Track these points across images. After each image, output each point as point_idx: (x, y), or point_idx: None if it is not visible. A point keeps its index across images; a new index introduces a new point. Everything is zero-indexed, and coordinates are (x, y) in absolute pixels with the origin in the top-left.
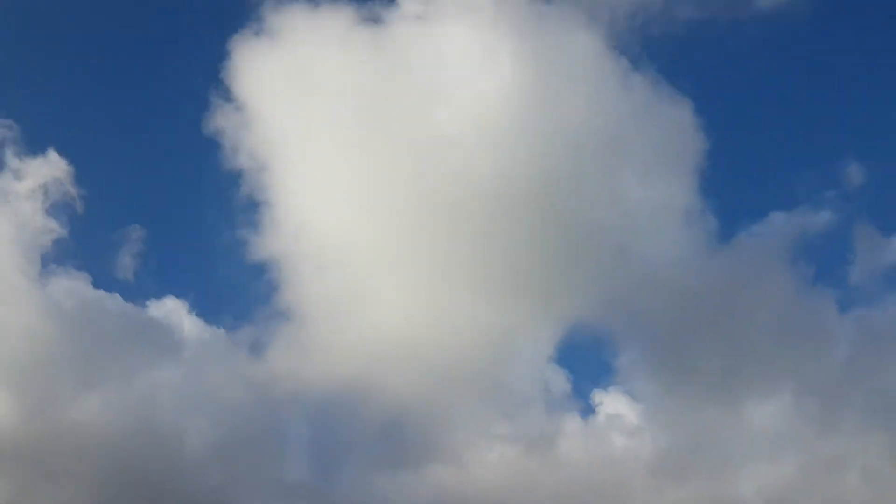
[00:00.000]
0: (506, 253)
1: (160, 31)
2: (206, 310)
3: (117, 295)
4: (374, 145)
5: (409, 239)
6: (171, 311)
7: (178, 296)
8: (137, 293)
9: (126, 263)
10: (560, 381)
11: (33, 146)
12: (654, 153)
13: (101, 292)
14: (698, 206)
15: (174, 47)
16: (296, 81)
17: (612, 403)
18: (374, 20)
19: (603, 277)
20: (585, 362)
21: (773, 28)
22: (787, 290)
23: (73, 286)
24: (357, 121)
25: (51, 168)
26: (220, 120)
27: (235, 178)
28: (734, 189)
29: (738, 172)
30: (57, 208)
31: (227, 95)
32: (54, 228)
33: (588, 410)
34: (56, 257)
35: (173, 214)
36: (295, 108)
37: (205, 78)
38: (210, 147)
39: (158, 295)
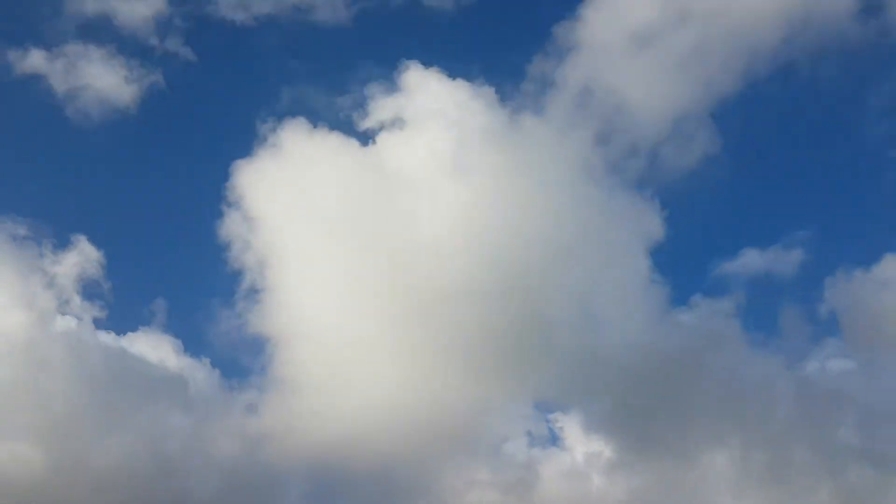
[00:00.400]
0: (477, 335)
1: (182, 151)
2: (214, 372)
3: (142, 356)
4: (360, 245)
5: (390, 323)
6: (185, 369)
7: (191, 356)
8: (158, 354)
9: (149, 330)
10: (522, 445)
11: (68, 235)
12: (614, 240)
13: (130, 354)
14: (654, 279)
15: (193, 165)
16: (293, 191)
17: (576, 455)
18: (363, 137)
19: (568, 350)
20: (550, 424)
21: None
22: (736, 351)
23: (106, 349)
24: (344, 224)
25: (85, 255)
26: (230, 220)
27: (241, 268)
28: (686, 265)
29: (689, 251)
30: (90, 286)
31: (235, 202)
32: (89, 303)
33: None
34: (91, 323)
35: (190, 294)
36: (292, 213)
37: (217, 188)
38: (220, 247)
39: (174, 356)
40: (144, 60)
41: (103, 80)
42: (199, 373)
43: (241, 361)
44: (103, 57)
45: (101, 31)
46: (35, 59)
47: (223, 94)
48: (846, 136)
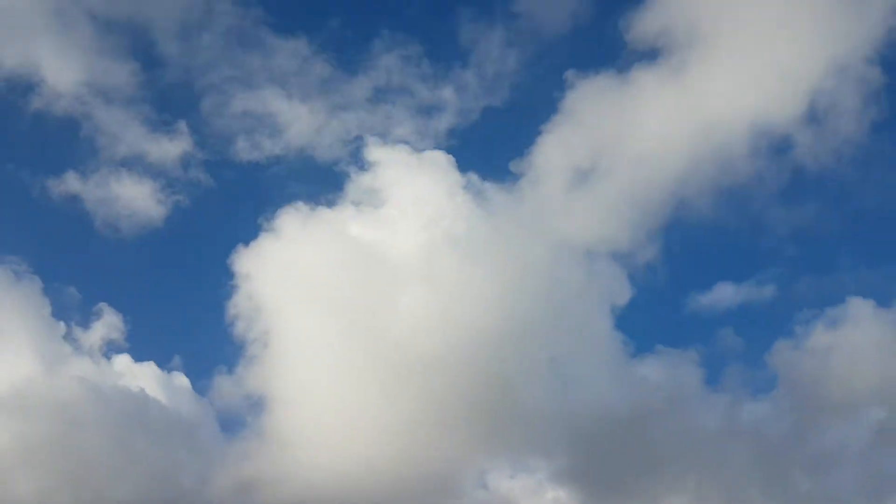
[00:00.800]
0: (450, 398)
1: (199, 248)
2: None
3: (157, 399)
4: (346, 318)
5: (372, 387)
6: (192, 411)
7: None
8: (171, 398)
9: (164, 378)
10: (493, 496)
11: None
12: (580, 303)
13: (150, 397)
14: (617, 337)
15: (205, 254)
16: (289, 270)
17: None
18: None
19: (535, 407)
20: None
21: None
22: (695, 399)
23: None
24: (332, 300)
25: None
26: (236, 297)
27: (244, 337)
28: (648, 322)
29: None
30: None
31: (240, 283)
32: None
33: None
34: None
35: (201, 355)
36: (288, 290)
37: (225, 272)
38: (227, 320)
39: (185, 400)
40: (171, 185)
41: (135, 201)
42: (204, 419)
43: (241, 415)
44: (135, 182)
45: (134, 164)
46: (72, 182)
47: (236, 208)
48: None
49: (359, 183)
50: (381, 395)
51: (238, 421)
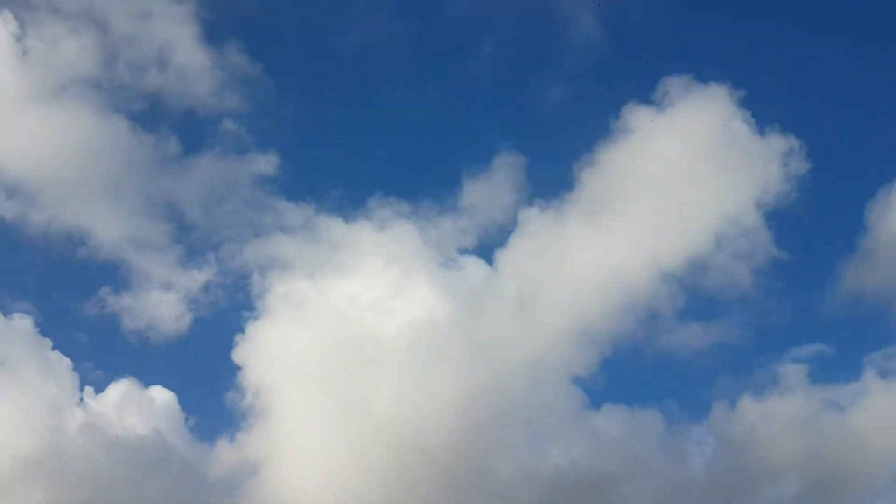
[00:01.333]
0: (431, 464)
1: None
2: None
3: (173, 445)
4: (334, 394)
5: (357, 455)
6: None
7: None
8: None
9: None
10: None
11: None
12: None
13: (167, 445)
14: (586, 403)
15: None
16: (285, 350)
17: None
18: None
19: (510, 472)
20: None
21: None
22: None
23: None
24: (321, 377)
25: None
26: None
27: (246, 407)
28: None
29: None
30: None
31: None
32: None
33: None
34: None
35: (208, 420)
36: (283, 368)
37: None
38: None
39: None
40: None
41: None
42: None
43: (239, 476)
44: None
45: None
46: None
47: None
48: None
49: None
50: (364, 461)
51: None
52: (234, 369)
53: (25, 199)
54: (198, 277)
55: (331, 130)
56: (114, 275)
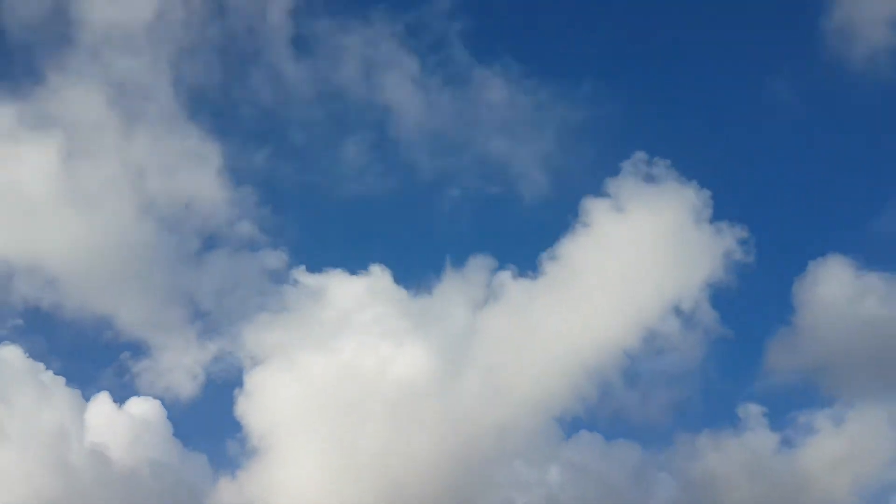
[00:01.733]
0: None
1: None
2: None
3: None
4: (330, 438)
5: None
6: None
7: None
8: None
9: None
10: None
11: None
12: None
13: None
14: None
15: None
16: (284, 398)
17: None
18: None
19: None
20: None
21: None
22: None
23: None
24: (318, 423)
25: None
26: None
27: (248, 452)
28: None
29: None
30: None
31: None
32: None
33: None
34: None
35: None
36: (282, 416)
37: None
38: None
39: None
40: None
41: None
42: None
43: None
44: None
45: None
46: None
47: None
48: None
49: None
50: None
51: None
52: (237, 422)
53: (61, 289)
54: (210, 348)
55: None
56: (136, 349)
